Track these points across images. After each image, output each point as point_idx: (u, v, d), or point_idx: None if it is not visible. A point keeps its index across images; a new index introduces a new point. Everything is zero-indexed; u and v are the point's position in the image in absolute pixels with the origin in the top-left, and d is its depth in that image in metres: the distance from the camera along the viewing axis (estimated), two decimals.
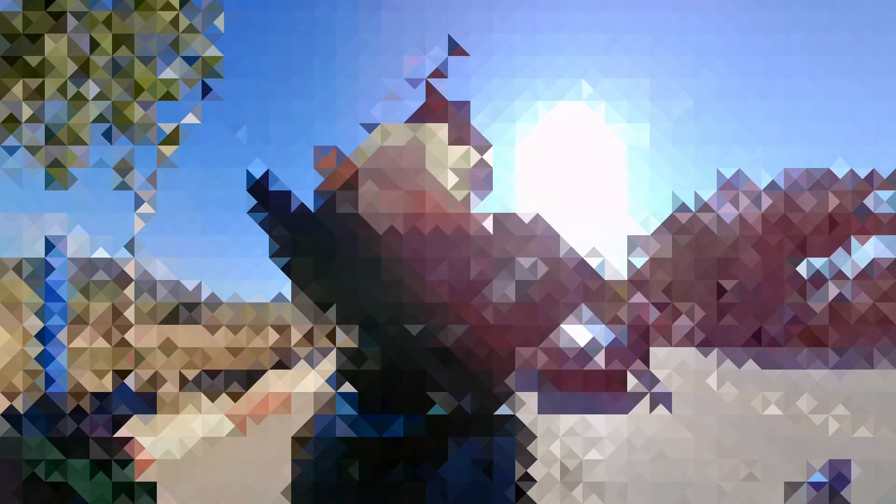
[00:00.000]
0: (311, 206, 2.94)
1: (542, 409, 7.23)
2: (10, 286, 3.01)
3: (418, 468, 2.69)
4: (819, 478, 3.30)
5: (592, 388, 8.69)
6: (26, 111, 3.90)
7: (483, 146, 3.05)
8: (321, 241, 2.84)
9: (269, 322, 3.17)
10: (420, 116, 3.08)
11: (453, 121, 3.03)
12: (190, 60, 4.11)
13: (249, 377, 3.22)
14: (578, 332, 9.00)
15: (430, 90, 2.98)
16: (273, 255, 2.86)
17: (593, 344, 8.66)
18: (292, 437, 2.63)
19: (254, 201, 2.86)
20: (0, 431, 2.92)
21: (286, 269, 2.86)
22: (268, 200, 2.83)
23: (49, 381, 2.98)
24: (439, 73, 2.91)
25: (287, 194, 2.83)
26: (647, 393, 8.56)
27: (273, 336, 3.18)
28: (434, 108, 3.01)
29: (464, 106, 2.94)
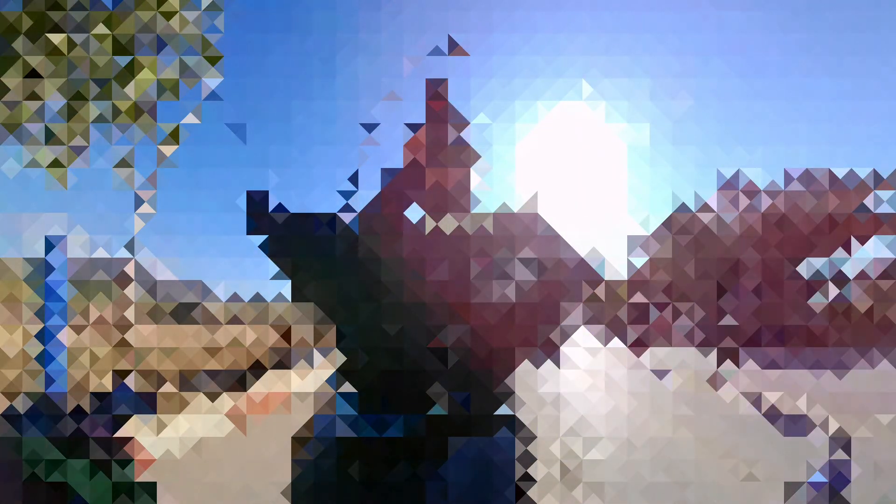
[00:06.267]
0: (310, 208, 2.94)
1: (543, 409, 7.22)
2: (10, 286, 3.00)
3: (418, 468, 2.69)
4: (819, 478, 3.29)
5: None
6: (26, 111, 3.90)
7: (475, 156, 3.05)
8: (320, 246, 2.84)
9: (269, 322, 3.18)
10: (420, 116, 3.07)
11: (453, 121, 3.03)
12: (190, 60, 4.11)
13: (249, 377, 3.22)
14: (578, 332, 8.99)
15: (431, 90, 2.98)
16: (275, 270, 2.86)
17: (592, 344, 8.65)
18: (292, 437, 2.62)
19: (253, 222, 2.86)
20: (0, 431, 2.92)
21: (284, 270, 2.87)
22: (268, 223, 2.83)
23: (49, 381, 2.98)
24: (461, 50, 2.87)
25: (286, 215, 2.83)
26: (647, 393, 8.57)
27: (273, 336, 3.18)
28: (434, 108, 3.01)
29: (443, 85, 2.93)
